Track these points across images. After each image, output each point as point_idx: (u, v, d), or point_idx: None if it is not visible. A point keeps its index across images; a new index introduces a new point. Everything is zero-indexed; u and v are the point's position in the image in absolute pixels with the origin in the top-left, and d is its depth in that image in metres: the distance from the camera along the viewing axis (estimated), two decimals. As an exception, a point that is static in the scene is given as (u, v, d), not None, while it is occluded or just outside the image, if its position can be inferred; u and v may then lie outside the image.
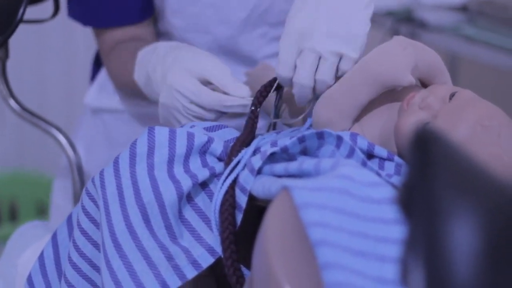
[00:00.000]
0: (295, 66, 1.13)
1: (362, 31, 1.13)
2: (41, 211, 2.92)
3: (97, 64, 1.61)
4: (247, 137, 1.09)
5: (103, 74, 1.56)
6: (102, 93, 1.54)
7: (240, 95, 1.18)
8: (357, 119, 1.12)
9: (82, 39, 2.94)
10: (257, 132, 1.14)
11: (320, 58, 1.12)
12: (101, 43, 1.44)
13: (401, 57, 1.09)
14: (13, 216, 2.96)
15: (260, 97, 1.16)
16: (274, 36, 1.44)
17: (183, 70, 1.19)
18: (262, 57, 1.45)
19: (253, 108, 1.15)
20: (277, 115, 1.21)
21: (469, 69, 3.05)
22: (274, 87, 1.17)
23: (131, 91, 1.41)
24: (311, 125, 1.14)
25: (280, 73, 1.14)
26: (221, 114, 1.19)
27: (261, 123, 1.23)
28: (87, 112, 1.58)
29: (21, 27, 1.38)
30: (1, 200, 2.95)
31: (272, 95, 1.20)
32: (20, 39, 1.73)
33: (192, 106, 1.18)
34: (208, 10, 1.40)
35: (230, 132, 1.13)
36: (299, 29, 1.12)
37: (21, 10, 1.36)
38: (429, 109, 1.07)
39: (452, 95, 1.08)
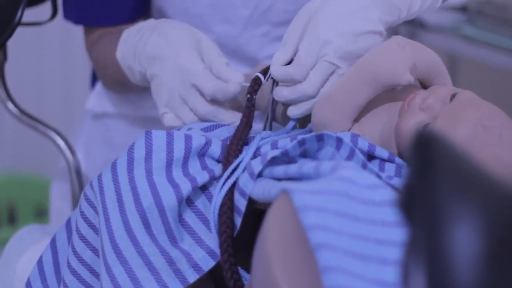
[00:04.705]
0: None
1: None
2: (40, 214, 2.92)
3: None
4: (243, 132, 1.07)
5: None
6: (103, 98, 1.54)
7: (234, 81, 1.15)
8: (356, 119, 1.11)
9: (81, 42, 2.93)
10: (252, 134, 1.12)
11: (334, 71, 1.11)
12: (88, 40, 1.45)
13: (399, 55, 1.09)
14: (12, 219, 2.95)
15: (255, 85, 1.13)
16: (277, 35, 1.43)
17: (191, 50, 1.18)
18: (264, 57, 1.44)
19: (248, 95, 1.12)
20: (273, 110, 1.17)
21: (469, 69, 3.04)
22: (268, 75, 1.13)
23: (114, 79, 1.39)
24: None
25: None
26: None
27: (257, 126, 1.21)
28: (87, 117, 1.57)
29: (19, 30, 1.38)
30: (-1, 203, 2.95)
31: (267, 87, 1.17)
32: (18, 42, 1.72)
33: (193, 91, 1.16)
34: (210, 9, 1.39)
35: (228, 130, 1.12)
36: (321, 36, 1.10)
37: (19, 13, 1.35)
38: (430, 110, 1.07)
39: (453, 96, 1.08)
